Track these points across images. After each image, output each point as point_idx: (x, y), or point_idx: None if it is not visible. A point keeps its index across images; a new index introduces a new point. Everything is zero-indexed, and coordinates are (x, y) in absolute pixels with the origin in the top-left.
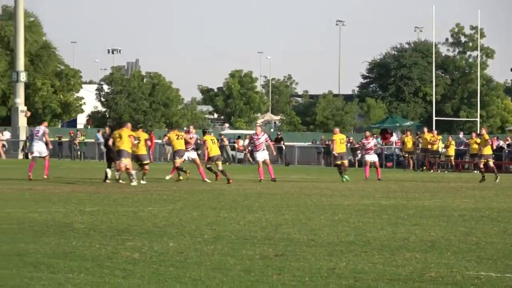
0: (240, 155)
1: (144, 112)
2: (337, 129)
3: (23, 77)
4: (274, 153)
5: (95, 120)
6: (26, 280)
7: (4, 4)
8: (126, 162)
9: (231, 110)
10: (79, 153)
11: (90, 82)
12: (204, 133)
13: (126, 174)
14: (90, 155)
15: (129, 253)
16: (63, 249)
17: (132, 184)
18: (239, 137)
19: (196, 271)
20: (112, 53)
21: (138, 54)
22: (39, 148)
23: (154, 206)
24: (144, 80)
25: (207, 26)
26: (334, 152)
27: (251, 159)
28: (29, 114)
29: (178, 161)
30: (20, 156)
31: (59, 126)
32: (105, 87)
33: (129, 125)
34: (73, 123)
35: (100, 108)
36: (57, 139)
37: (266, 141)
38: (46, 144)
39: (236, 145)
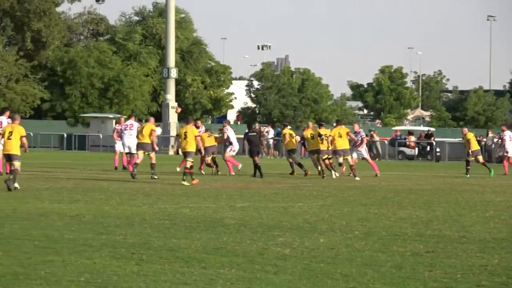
0: (411, 152)
1: (294, 107)
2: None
3: (173, 73)
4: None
5: (245, 115)
6: (178, 276)
7: (155, 1)
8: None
9: (381, 106)
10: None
11: (240, 78)
12: (285, 126)
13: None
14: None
15: (280, 249)
16: (214, 245)
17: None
18: (410, 133)
19: (347, 267)
20: (262, 49)
21: (288, 50)
22: (130, 143)
23: (304, 202)
24: (294, 76)
25: (356, 22)
26: (469, 151)
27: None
28: (179, 110)
29: (208, 158)
30: (171, 152)
31: (209, 122)
32: (255, 83)
33: (192, 122)
34: (223, 118)
35: (250, 104)
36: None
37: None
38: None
39: (407, 141)
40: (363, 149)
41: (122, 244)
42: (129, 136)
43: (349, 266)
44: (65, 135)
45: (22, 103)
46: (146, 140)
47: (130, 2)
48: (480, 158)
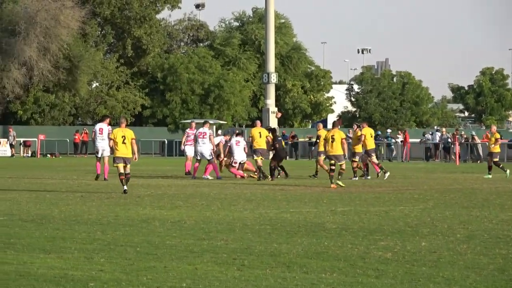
0: None
1: (395, 111)
2: None
3: (274, 78)
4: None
5: (345, 119)
6: (279, 281)
7: (254, 7)
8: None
9: (482, 108)
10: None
11: (340, 82)
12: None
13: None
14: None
15: (382, 253)
16: (315, 249)
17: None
18: None
19: (449, 270)
20: (362, 52)
21: (388, 53)
22: (202, 150)
23: (406, 205)
24: (394, 79)
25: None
26: None
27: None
28: (279, 115)
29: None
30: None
31: (309, 127)
32: (355, 87)
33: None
34: (323, 123)
35: (350, 107)
36: (307, 139)
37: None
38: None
39: None
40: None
41: (224, 250)
42: (202, 144)
43: (451, 269)
44: (166, 141)
45: (123, 110)
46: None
47: (229, 8)
48: None
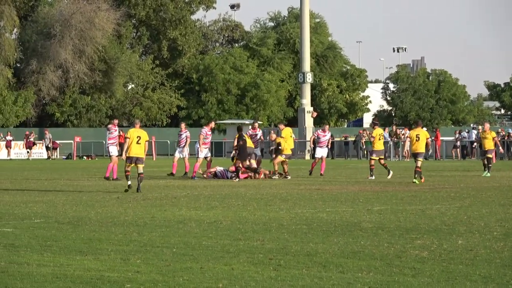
0: None
1: (431, 109)
2: None
3: (309, 78)
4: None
5: (381, 119)
6: (316, 280)
7: (290, 7)
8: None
9: None
10: (365, 152)
11: (376, 81)
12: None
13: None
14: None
15: (418, 252)
16: (352, 249)
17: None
18: None
19: (486, 268)
20: (398, 51)
21: (424, 52)
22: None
23: (442, 204)
24: (430, 77)
25: (488, 21)
26: None
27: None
28: (315, 114)
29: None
30: (307, 156)
31: (345, 126)
32: (391, 86)
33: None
34: (359, 122)
35: (386, 106)
36: (343, 138)
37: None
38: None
39: None
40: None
41: (260, 250)
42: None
43: (488, 267)
44: None
45: (159, 111)
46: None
47: (265, 8)
48: None
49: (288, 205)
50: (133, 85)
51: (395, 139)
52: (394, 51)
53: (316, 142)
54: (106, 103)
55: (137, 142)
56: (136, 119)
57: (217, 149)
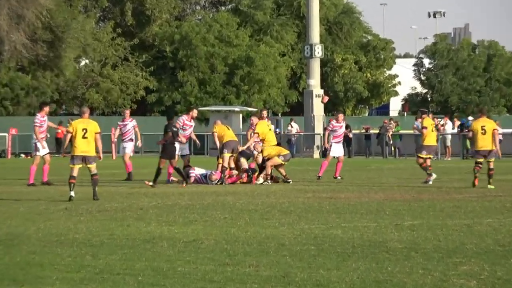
0: None
1: (478, 92)
2: None
3: (318, 51)
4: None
5: (413, 104)
6: None
7: None
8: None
9: None
10: (392, 148)
11: (406, 56)
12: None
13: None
14: (407, 152)
15: (464, 281)
16: (376, 277)
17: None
18: None
19: None
20: (434, 16)
21: (468, 17)
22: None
23: (495, 218)
24: (477, 50)
25: None
26: None
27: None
28: (326, 99)
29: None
30: (316, 154)
31: (366, 114)
32: (426, 62)
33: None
34: (384, 109)
35: (419, 89)
36: (363, 131)
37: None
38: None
39: None
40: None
41: (254, 278)
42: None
43: None
44: None
45: (122, 95)
46: None
47: None
48: None
49: (291, 218)
50: (87, 61)
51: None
52: (429, 16)
53: (329, 136)
54: (52, 84)
55: (83, 137)
56: (84, 107)
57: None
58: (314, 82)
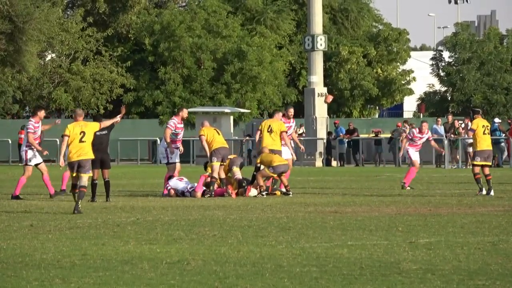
0: None
1: (506, 90)
2: None
3: (321, 43)
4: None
5: (431, 105)
6: None
7: None
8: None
9: None
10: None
11: (423, 48)
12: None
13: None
14: (423, 159)
15: None
16: None
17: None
18: None
19: None
20: (456, 3)
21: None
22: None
23: None
24: (505, 42)
25: None
26: None
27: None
28: (330, 98)
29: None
30: (319, 162)
31: (376, 116)
32: (445, 55)
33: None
34: (397, 110)
35: (438, 86)
36: (373, 135)
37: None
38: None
39: None
40: None
41: None
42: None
43: None
44: (158, 141)
45: (95, 94)
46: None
47: None
48: None
49: (290, 236)
50: (53, 55)
51: (452, 136)
52: (449, 2)
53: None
54: (13, 82)
55: (81, 140)
56: (78, 110)
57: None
58: (316, 79)
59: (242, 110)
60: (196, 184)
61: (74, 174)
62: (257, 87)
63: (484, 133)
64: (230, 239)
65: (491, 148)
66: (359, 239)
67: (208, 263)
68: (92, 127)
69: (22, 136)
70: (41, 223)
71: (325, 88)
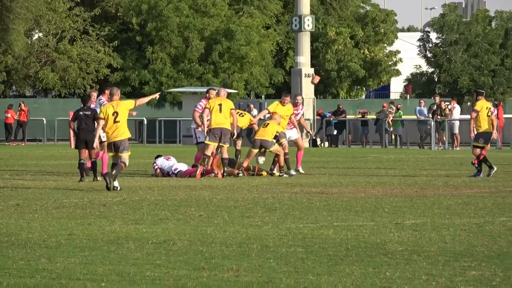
0: None
1: (493, 72)
2: None
3: (308, 24)
4: None
5: (417, 86)
6: None
7: None
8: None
9: None
10: (392, 136)
11: (410, 29)
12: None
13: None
14: (409, 140)
15: None
16: (372, 283)
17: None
18: None
19: None
20: None
21: None
22: None
23: (509, 216)
24: (493, 23)
25: None
26: None
27: None
28: (317, 79)
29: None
30: (305, 143)
31: (363, 97)
32: (433, 36)
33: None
34: (383, 91)
35: (425, 67)
36: (359, 116)
37: None
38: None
39: None
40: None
41: (233, 284)
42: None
43: None
44: (145, 121)
45: (81, 74)
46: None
47: None
48: None
49: (276, 216)
50: (40, 34)
51: (439, 118)
52: None
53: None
54: (1, 62)
55: (115, 121)
56: (113, 89)
57: (168, 131)
58: (303, 59)
59: (229, 91)
60: (182, 166)
61: (112, 154)
62: (244, 67)
63: (488, 115)
64: (216, 219)
65: (491, 130)
66: (345, 220)
67: (194, 243)
68: (125, 106)
69: (9, 115)
70: (27, 203)
71: (312, 69)
